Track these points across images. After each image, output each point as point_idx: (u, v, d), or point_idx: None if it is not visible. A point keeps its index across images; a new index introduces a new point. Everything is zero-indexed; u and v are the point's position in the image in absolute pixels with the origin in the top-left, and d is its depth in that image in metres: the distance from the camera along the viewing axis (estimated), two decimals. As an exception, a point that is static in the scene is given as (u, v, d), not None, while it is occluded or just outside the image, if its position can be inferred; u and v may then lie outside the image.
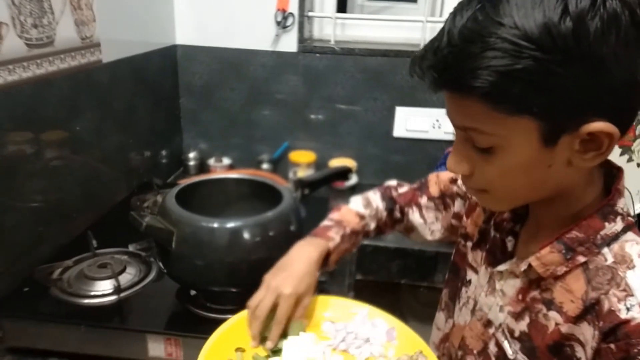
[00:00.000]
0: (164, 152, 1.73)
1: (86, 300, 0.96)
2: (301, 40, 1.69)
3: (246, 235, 0.90)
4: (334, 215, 0.93)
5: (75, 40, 1.18)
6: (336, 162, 1.74)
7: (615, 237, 0.61)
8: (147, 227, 0.88)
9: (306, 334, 0.78)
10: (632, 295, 0.57)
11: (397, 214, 0.96)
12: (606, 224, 0.61)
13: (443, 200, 0.91)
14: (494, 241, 0.75)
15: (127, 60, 1.42)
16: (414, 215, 0.94)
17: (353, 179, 1.73)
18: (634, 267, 0.58)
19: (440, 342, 0.85)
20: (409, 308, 1.72)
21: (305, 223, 1.01)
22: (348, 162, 1.74)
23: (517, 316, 0.67)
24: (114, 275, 0.99)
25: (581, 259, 0.61)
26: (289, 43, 1.70)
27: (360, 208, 0.94)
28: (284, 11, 1.66)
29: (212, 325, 0.76)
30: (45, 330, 0.92)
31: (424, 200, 0.93)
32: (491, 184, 0.62)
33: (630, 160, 1.44)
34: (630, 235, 0.62)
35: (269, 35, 1.69)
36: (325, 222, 0.91)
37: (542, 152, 0.56)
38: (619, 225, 0.61)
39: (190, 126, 1.85)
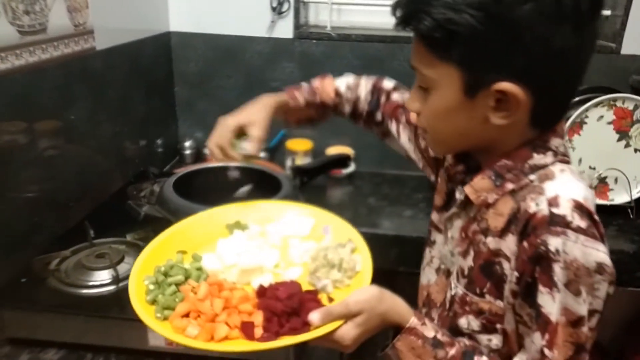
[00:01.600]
0: (159, 141, 1.71)
1: (84, 291, 0.96)
2: (297, 26, 1.67)
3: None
4: (316, 81, 1.00)
5: (68, 27, 1.16)
6: (333, 150, 1.73)
7: (543, 167, 0.65)
8: (145, 216, 0.88)
9: (241, 232, 0.83)
10: (543, 194, 0.61)
11: (379, 117, 1.00)
12: (534, 154, 0.65)
13: (416, 131, 0.93)
14: (451, 196, 0.79)
15: (120, 47, 1.40)
16: (392, 127, 0.98)
17: (351, 167, 1.73)
18: (553, 178, 0.64)
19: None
20: (407, 296, 1.72)
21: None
22: (345, 150, 1.73)
23: (464, 253, 0.71)
24: (112, 265, 0.98)
25: (510, 185, 0.66)
26: (285, 29, 1.68)
27: (342, 86, 0.99)
28: (279, -3, 1.64)
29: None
30: (44, 320, 0.91)
31: (402, 120, 0.96)
32: (427, 123, 0.69)
33: (627, 145, 1.44)
34: (558, 164, 0.65)
35: (264, 21, 1.67)
36: (303, 83, 0.98)
37: (464, 102, 0.63)
38: (549, 158, 0.65)
39: (186, 115, 1.83)
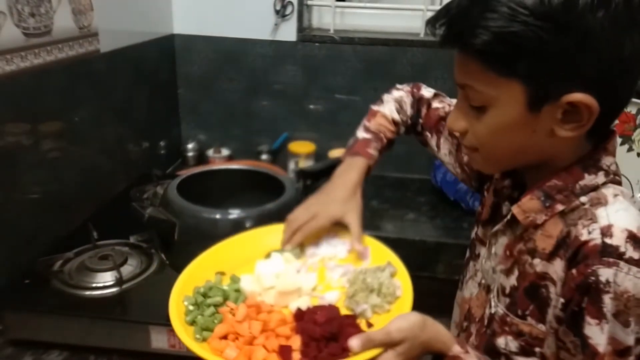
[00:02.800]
0: (162, 143, 1.72)
1: (87, 292, 0.96)
2: (300, 29, 1.68)
3: (249, 226, 0.90)
4: (371, 124, 0.94)
5: (73, 29, 1.16)
6: (336, 153, 1.73)
7: (595, 188, 0.63)
8: (149, 218, 0.88)
9: (280, 255, 0.81)
10: (596, 222, 0.59)
11: (419, 128, 0.97)
12: (586, 175, 0.63)
13: (459, 144, 0.89)
14: (497, 210, 0.77)
15: (124, 50, 1.41)
16: (432, 141, 0.95)
17: (353, 170, 1.72)
18: (606, 204, 0.61)
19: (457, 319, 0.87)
20: (409, 298, 1.72)
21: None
22: (348, 153, 1.73)
23: (508, 272, 0.69)
24: (116, 267, 0.98)
25: (559, 207, 0.63)
26: (288, 32, 1.68)
27: (394, 114, 0.95)
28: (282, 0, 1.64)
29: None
30: (46, 322, 0.91)
31: (445, 133, 0.92)
32: (480, 142, 0.66)
33: (630, 149, 1.44)
34: (611, 187, 0.63)
35: (267, 24, 1.67)
36: (364, 134, 0.93)
37: (527, 117, 0.59)
38: (600, 178, 0.63)
39: (189, 117, 1.83)
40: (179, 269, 0.96)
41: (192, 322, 0.70)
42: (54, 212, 1.15)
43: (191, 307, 0.72)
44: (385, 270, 0.76)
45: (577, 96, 0.56)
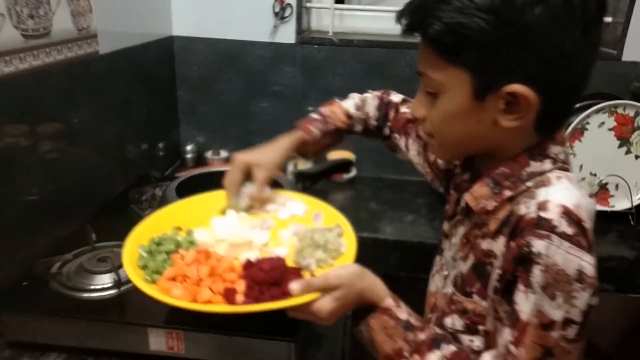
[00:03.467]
0: (161, 145, 1.72)
1: (86, 294, 0.96)
2: (299, 31, 1.68)
3: (247, 228, 0.90)
4: (324, 109, 1.00)
5: (72, 31, 1.16)
6: (334, 155, 1.73)
7: (541, 174, 0.65)
8: (147, 220, 0.87)
9: (234, 212, 0.87)
10: (534, 199, 0.62)
11: (386, 132, 1.02)
12: (532, 162, 0.66)
13: (425, 145, 0.94)
14: (459, 204, 0.80)
15: (123, 51, 1.41)
16: (400, 142, 1.00)
17: (352, 172, 1.73)
18: (549, 185, 0.63)
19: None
20: (408, 301, 1.71)
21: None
22: (347, 155, 1.73)
23: (465, 258, 0.72)
24: (114, 269, 0.98)
25: (507, 193, 0.66)
26: (287, 34, 1.69)
27: (351, 108, 1.01)
28: (282, 2, 1.64)
29: (214, 318, 0.76)
30: (45, 324, 0.91)
31: (412, 134, 0.97)
32: (435, 128, 0.70)
33: (628, 152, 1.44)
34: (556, 172, 0.66)
35: (266, 26, 1.68)
36: (313, 115, 0.99)
37: (473, 106, 0.64)
38: (547, 165, 0.66)
39: (188, 118, 1.83)
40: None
41: (144, 267, 0.75)
42: (53, 213, 1.15)
43: (144, 254, 0.76)
44: (334, 231, 0.82)
45: (515, 87, 0.60)
